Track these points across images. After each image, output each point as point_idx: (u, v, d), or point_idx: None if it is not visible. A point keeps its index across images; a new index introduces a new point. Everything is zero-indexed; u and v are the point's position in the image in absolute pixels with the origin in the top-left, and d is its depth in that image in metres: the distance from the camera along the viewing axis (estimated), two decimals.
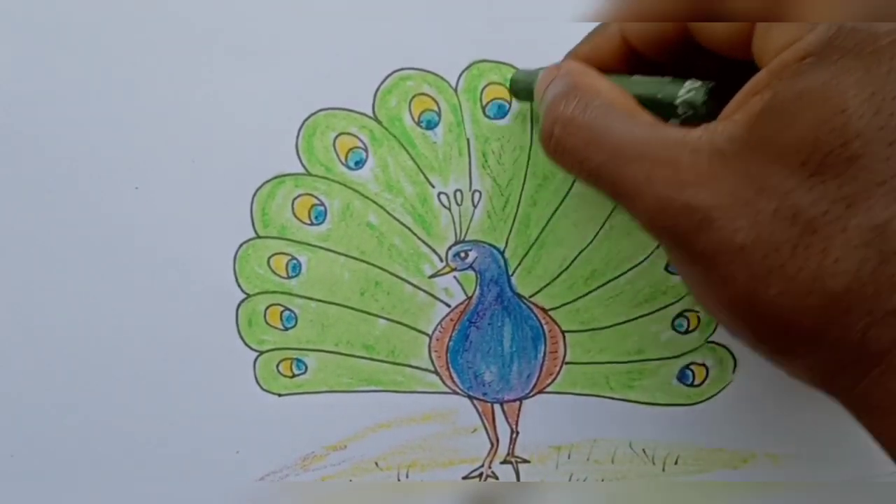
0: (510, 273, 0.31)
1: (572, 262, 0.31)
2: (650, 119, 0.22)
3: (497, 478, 0.32)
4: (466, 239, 0.31)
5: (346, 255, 0.31)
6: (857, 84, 0.18)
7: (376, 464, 0.32)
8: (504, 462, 0.32)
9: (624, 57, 0.26)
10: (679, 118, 0.24)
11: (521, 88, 0.30)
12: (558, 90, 0.25)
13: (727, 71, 0.24)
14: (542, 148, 0.25)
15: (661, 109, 0.24)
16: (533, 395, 0.32)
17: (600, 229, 0.31)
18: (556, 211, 0.31)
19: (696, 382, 0.32)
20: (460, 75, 0.30)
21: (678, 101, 0.23)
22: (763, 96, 0.19)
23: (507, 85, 0.30)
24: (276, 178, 0.30)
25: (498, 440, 0.32)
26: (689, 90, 0.23)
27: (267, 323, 0.31)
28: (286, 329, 0.31)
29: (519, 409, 0.32)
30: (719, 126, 0.20)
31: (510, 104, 0.31)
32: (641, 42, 0.25)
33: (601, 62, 0.26)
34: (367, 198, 0.31)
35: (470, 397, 0.32)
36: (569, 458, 0.32)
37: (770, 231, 0.19)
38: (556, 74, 0.26)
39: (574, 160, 0.23)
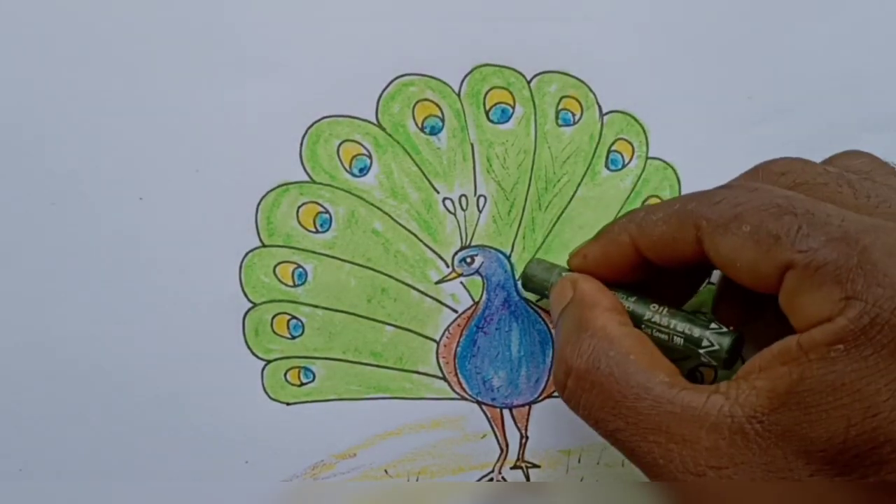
0: (517, 277, 0.31)
1: None
2: (667, 376, 0.22)
3: None
4: (472, 244, 0.31)
5: (352, 263, 0.31)
6: (888, 386, 0.18)
7: (386, 471, 0.32)
8: (514, 467, 0.32)
9: (635, 265, 0.26)
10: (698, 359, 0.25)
11: (533, 285, 0.30)
12: (570, 326, 0.24)
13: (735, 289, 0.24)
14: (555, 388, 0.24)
15: (680, 347, 0.25)
16: (542, 400, 0.32)
17: None
18: (561, 214, 0.31)
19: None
20: (463, 80, 0.30)
21: (702, 351, 0.24)
22: (791, 373, 0.19)
23: (520, 276, 0.30)
24: (280, 186, 0.30)
25: (507, 445, 0.32)
26: (712, 340, 0.24)
27: (274, 332, 0.31)
28: (293, 337, 0.31)
29: (528, 414, 0.32)
30: (741, 394, 0.20)
31: (514, 108, 0.30)
32: (655, 256, 0.25)
33: (612, 267, 0.26)
34: (371, 205, 0.31)
35: (479, 403, 0.32)
36: (579, 461, 0.32)
37: None
38: (570, 299, 0.26)
39: (589, 417, 0.23)
